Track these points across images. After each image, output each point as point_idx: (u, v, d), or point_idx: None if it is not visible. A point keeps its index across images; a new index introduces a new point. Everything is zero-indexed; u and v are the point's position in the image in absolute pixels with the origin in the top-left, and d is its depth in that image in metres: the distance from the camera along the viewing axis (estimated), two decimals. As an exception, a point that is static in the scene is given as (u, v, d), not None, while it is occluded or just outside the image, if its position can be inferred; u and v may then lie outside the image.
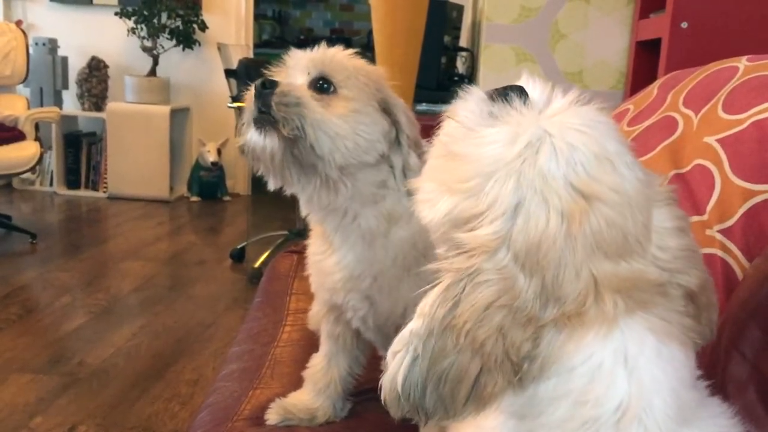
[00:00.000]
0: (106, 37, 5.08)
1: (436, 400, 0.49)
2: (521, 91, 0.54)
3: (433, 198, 0.53)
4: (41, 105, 4.66)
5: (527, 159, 0.49)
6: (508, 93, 0.54)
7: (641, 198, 0.50)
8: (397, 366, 0.50)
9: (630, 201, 0.49)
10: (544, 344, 0.48)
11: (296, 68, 0.86)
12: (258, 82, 0.81)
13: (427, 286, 0.51)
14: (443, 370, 0.48)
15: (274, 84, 0.81)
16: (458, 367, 0.48)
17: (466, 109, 0.55)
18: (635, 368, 0.48)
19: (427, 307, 0.49)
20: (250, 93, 0.83)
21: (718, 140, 0.93)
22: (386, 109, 0.87)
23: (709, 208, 0.89)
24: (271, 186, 0.88)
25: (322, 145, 0.81)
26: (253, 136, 0.83)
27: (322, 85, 0.84)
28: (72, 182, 5.03)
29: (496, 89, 0.55)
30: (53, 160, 4.94)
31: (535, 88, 0.54)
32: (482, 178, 0.50)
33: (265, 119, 0.81)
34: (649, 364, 0.49)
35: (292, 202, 0.92)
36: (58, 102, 4.87)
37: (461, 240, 0.50)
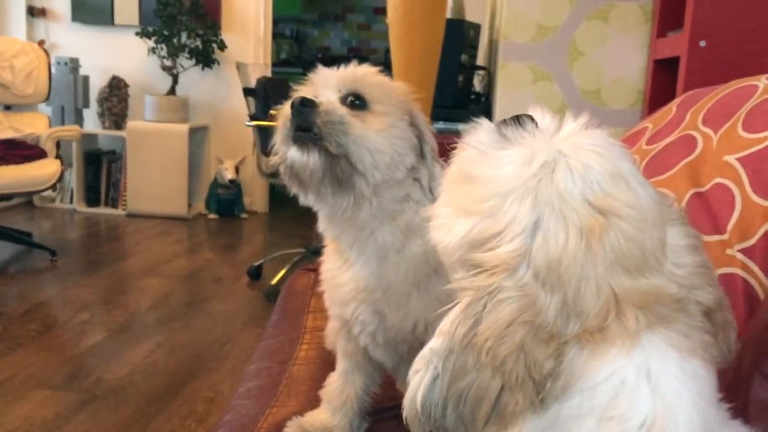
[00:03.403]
0: (127, 56, 5.15)
1: (457, 420, 0.48)
2: (531, 119, 0.55)
3: (450, 222, 0.54)
4: (62, 123, 4.72)
5: (543, 178, 0.50)
6: (519, 119, 0.55)
7: (656, 215, 0.51)
8: (417, 385, 0.50)
9: (646, 217, 0.50)
10: (567, 361, 0.48)
11: (325, 86, 0.86)
12: (296, 99, 0.81)
13: (446, 307, 0.51)
14: (463, 388, 0.48)
15: (312, 102, 0.81)
16: (479, 386, 0.48)
17: (478, 137, 0.56)
18: (658, 384, 0.48)
19: (447, 325, 0.50)
20: (285, 110, 0.83)
21: (738, 159, 0.92)
22: (412, 123, 0.88)
23: (729, 227, 0.88)
24: (306, 202, 0.88)
25: (364, 161, 0.82)
26: (294, 154, 0.82)
27: (353, 101, 0.85)
28: (92, 200, 5.08)
29: (507, 118, 0.56)
30: (73, 178, 5.00)
31: (544, 116, 0.56)
32: (499, 199, 0.51)
33: (306, 137, 0.81)
34: (673, 379, 0.48)
35: (310, 220, 0.92)
36: (79, 120, 4.93)
37: (481, 260, 0.50)
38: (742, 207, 0.88)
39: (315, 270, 1.65)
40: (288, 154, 0.83)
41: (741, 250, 0.86)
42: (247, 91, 3.56)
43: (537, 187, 0.50)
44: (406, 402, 0.51)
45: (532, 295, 0.48)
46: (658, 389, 0.48)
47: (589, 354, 0.48)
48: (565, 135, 0.53)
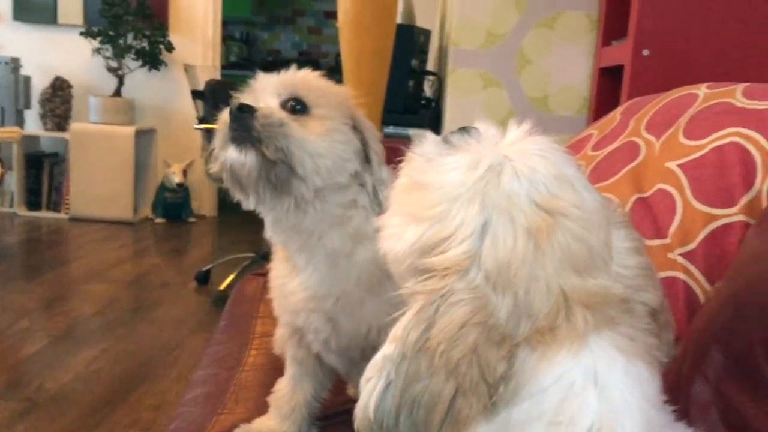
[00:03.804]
0: (71, 56, 5.02)
1: (411, 427, 0.48)
2: (476, 131, 0.56)
3: (400, 230, 0.54)
4: (2, 125, 4.58)
5: (490, 181, 0.51)
6: (465, 130, 0.56)
7: (601, 216, 0.52)
8: (369, 393, 0.49)
9: (591, 218, 0.51)
10: (519, 364, 0.48)
11: (265, 91, 0.85)
12: (234, 105, 0.80)
13: (398, 312, 0.51)
14: (417, 394, 0.48)
15: (250, 108, 0.80)
16: (432, 391, 0.47)
17: (425, 148, 0.57)
18: (605, 388, 0.48)
19: (400, 330, 0.49)
20: (224, 116, 0.82)
21: (679, 165, 0.95)
22: (356, 127, 0.87)
23: (671, 231, 0.91)
24: (248, 206, 0.87)
25: (305, 165, 0.81)
26: (232, 154, 0.81)
27: (294, 106, 0.84)
28: (33, 203, 4.94)
29: (452, 131, 0.57)
30: (14, 181, 4.85)
31: (489, 128, 0.56)
32: (448, 203, 0.51)
33: (244, 137, 0.80)
34: (618, 383, 0.49)
35: (259, 224, 0.91)
36: (20, 122, 4.79)
37: (431, 263, 0.50)
38: (683, 212, 0.90)
39: (264, 275, 1.63)
40: (226, 155, 0.82)
41: (682, 254, 0.88)
42: (196, 94, 3.51)
43: (484, 190, 0.51)
44: (358, 411, 0.50)
45: (484, 297, 0.48)
46: (604, 393, 0.48)
47: (539, 356, 0.48)
48: (510, 141, 0.54)
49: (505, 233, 0.49)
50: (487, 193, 0.50)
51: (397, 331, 0.50)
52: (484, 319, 0.47)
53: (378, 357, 0.50)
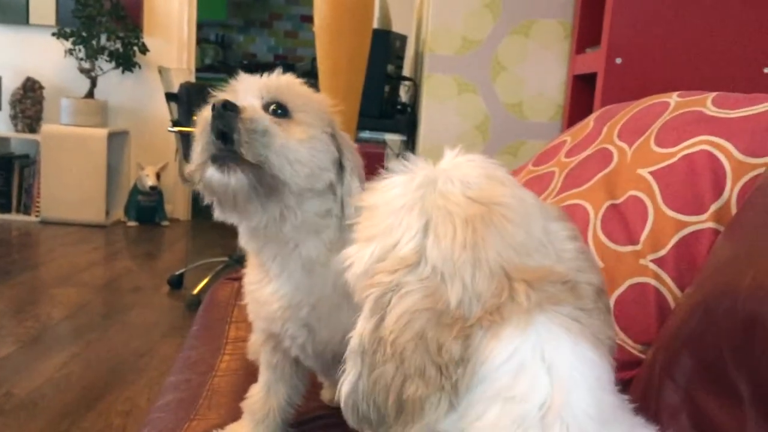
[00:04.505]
0: (43, 57, 4.96)
1: (376, 414, 0.52)
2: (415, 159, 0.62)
3: (358, 255, 0.59)
4: (-28, 125, 4.51)
5: (427, 189, 0.56)
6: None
7: (536, 205, 0.57)
8: (341, 384, 0.54)
9: (526, 206, 0.55)
10: (474, 345, 0.51)
11: (247, 92, 0.84)
12: (218, 102, 0.78)
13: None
14: (375, 381, 0.52)
15: (234, 106, 0.78)
16: (386, 378, 0.51)
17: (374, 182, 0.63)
18: (552, 366, 0.50)
19: (359, 324, 0.54)
20: (206, 114, 0.79)
21: (650, 172, 0.96)
22: (333, 136, 0.87)
23: (642, 238, 0.92)
24: (221, 218, 0.85)
25: (284, 171, 0.80)
26: (214, 175, 0.79)
27: (275, 110, 0.83)
28: (2, 205, 4.86)
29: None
30: (-17, 183, 4.78)
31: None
32: (393, 216, 0.57)
33: (225, 155, 0.78)
34: (565, 362, 0.51)
35: (233, 228, 0.90)
36: (-10, 122, 4.72)
37: (383, 266, 0.55)
38: (655, 219, 0.91)
39: (238, 279, 1.63)
40: (206, 174, 0.80)
41: (653, 260, 0.89)
42: (170, 96, 3.48)
43: (423, 196, 0.56)
44: (339, 401, 0.55)
45: (433, 285, 0.52)
46: (552, 371, 0.50)
47: (491, 336, 0.51)
48: (444, 161, 0.60)
49: (445, 226, 0.53)
50: (425, 198, 0.56)
51: (357, 325, 0.54)
52: (432, 305, 0.51)
53: (347, 351, 0.55)
